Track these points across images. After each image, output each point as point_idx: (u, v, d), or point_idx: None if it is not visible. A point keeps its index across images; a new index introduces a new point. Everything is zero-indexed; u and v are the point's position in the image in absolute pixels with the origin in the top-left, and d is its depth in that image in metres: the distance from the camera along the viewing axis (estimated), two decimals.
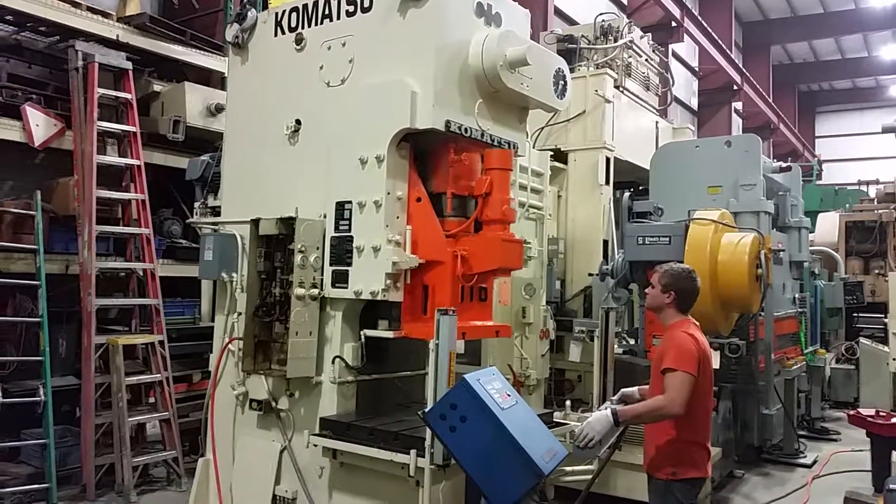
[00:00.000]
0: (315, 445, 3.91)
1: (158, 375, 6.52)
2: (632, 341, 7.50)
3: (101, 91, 6.61)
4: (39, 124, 6.45)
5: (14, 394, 6.09)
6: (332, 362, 4.00)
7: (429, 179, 4.07)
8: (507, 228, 3.95)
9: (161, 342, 6.67)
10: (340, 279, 4.00)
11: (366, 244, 3.88)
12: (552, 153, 7.54)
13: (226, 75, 5.15)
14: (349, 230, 3.98)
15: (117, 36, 7.05)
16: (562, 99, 4.39)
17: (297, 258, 3.95)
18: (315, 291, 4.02)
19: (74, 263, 6.54)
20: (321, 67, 4.22)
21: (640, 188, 8.81)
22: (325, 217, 4.11)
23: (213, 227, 4.78)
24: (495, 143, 4.12)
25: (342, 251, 4.00)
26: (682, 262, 5.42)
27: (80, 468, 6.15)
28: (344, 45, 4.12)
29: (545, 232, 7.03)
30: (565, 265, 8.04)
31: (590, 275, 7.65)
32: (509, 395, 2.97)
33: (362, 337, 4.01)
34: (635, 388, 3.99)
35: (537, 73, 4.15)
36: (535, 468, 2.74)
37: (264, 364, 4.18)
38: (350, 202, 3.99)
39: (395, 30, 3.92)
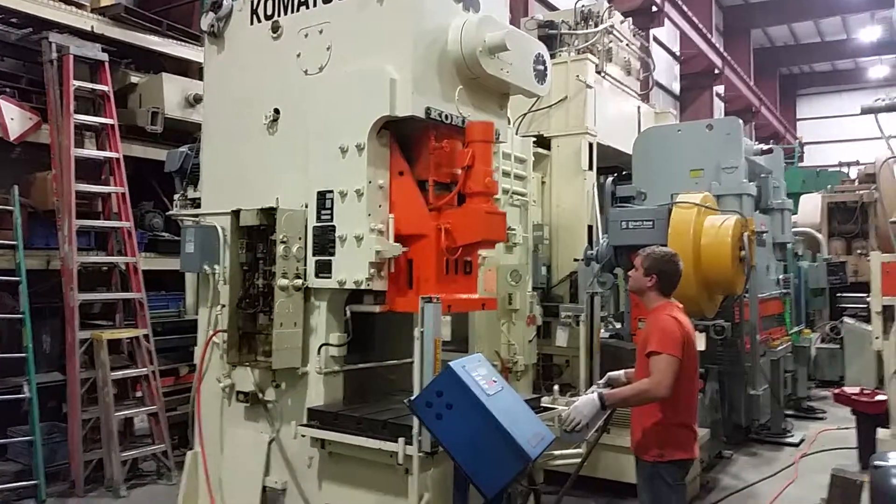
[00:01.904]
0: (303, 436, 3.90)
1: (144, 369, 6.48)
2: (618, 325, 7.53)
3: (77, 83, 6.52)
4: (14, 118, 6.37)
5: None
6: (318, 351, 3.98)
7: (412, 167, 4.04)
8: (490, 200, 3.93)
9: (146, 336, 6.62)
10: (324, 269, 3.97)
11: (348, 233, 3.86)
12: (535, 139, 7.53)
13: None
14: (331, 220, 3.96)
15: (92, 27, 6.96)
16: (542, 84, 4.38)
17: (280, 249, 3.92)
18: (298, 282, 3.99)
19: (55, 258, 6.47)
20: (298, 55, 4.18)
21: (624, 173, 8.82)
22: (306, 207, 4.07)
23: (193, 219, 4.73)
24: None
25: (325, 241, 3.97)
26: (665, 245, 5.46)
27: (68, 464, 6.12)
28: (321, 32, 4.08)
29: (530, 218, 7.04)
30: (551, 251, 8.03)
31: (575, 260, 7.67)
32: (495, 382, 2.97)
33: (348, 313, 3.97)
34: (622, 372, 4.01)
35: (517, 58, 4.13)
36: (522, 453, 2.74)
37: (249, 356, 4.16)
38: (331, 191, 3.96)
39: (372, 16, 3.89)
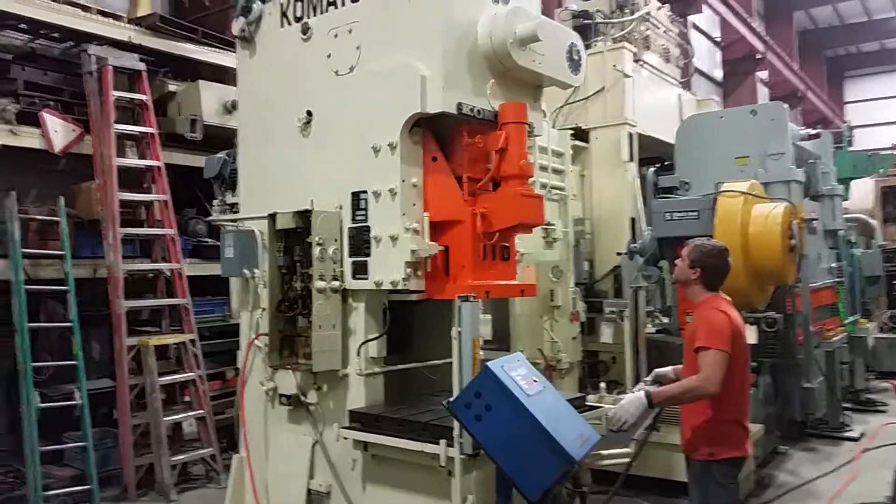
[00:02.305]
0: (345, 438, 3.87)
1: (191, 374, 6.57)
2: (665, 320, 7.35)
3: (117, 94, 6.64)
4: (58, 130, 6.51)
5: (52, 398, 6.18)
6: (358, 353, 3.95)
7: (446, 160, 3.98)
8: (525, 183, 3.84)
9: (192, 341, 6.71)
10: (360, 270, 3.94)
11: (383, 233, 3.82)
12: (572, 132, 7.41)
13: None
14: (366, 220, 3.92)
15: (129, 38, 7.08)
16: (576, 74, 4.27)
17: (316, 251, 3.90)
18: (336, 284, 3.97)
19: (102, 267, 6.60)
20: (329, 56, 4.15)
21: (666, 163, 8.62)
22: (341, 208, 4.05)
23: (232, 224, 4.75)
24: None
25: (360, 242, 3.94)
26: (711, 236, 5.30)
27: (120, 469, 6.23)
28: (350, 31, 4.04)
29: (569, 213, 6.91)
30: (593, 245, 7.90)
31: (618, 254, 7.52)
32: (536, 381, 2.89)
33: (386, 303, 3.94)
34: (669, 368, 3.89)
35: (550, 49, 4.04)
36: (565, 454, 2.66)
37: (290, 358, 4.15)
38: (365, 192, 3.92)
39: (400, 12, 3.83)
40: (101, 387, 6.60)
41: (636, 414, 3.33)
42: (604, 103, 7.92)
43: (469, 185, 3.89)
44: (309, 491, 4.19)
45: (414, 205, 3.84)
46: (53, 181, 7.00)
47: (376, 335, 3.96)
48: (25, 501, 5.56)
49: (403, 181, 3.80)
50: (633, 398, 3.37)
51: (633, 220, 7.77)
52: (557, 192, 6.64)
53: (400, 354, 4.32)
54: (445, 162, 3.92)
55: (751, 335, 5.97)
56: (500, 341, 6.23)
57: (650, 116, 8.29)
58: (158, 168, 6.87)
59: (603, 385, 5.52)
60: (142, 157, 6.97)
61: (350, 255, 4.00)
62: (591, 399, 6.18)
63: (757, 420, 6.38)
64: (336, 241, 4.02)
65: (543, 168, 6.38)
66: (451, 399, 2.87)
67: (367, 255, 3.91)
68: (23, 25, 6.90)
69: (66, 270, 6.12)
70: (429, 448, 3.39)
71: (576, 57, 4.25)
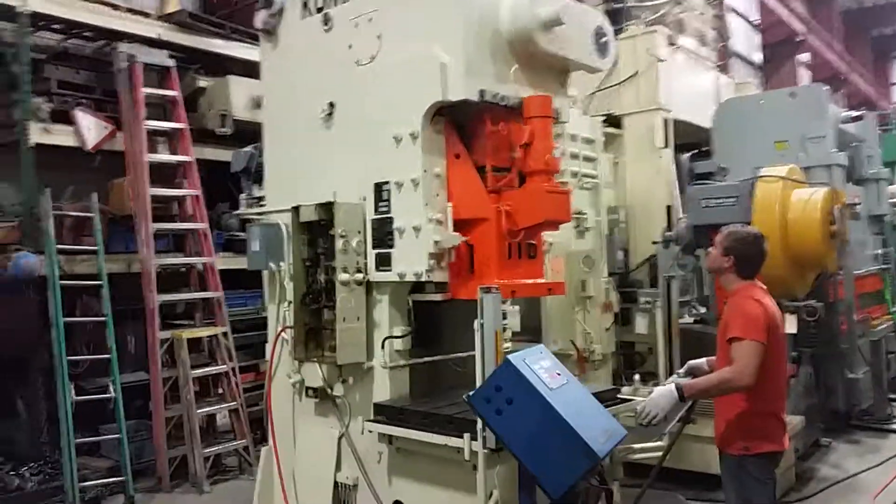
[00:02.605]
0: (370, 431, 3.84)
1: (224, 366, 6.62)
2: (702, 309, 7.18)
3: (147, 90, 6.70)
4: (91, 128, 6.59)
5: (88, 391, 6.28)
6: (382, 345, 3.91)
7: (469, 153, 3.90)
8: (552, 179, 3.75)
9: (224, 334, 6.76)
10: (384, 262, 3.89)
11: (406, 224, 3.77)
12: (605, 119, 7.26)
13: None
14: (388, 211, 3.87)
15: (158, 35, 7.13)
16: (604, 58, 4.15)
17: (339, 243, 3.87)
18: (360, 276, 3.93)
19: (136, 262, 6.68)
20: (350, 46, 4.10)
21: (704, 149, 8.42)
22: (364, 200, 4.00)
23: (258, 217, 4.75)
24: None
25: (383, 233, 3.89)
26: (749, 223, 5.13)
27: (154, 461, 6.31)
28: (370, 20, 3.98)
29: (602, 201, 6.78)
30: (627, 234, 7.77)
31: (653, 242, 7.36)
32: (559, 374, 2.80)
33: (410, 303, 3.90)
34: (703, 360, 3.77)
35: (575, 32, 3.92)
36: (589, 450, 2.57)
37: (316, 351, 4.13)
38: (388, 182, 3.87)
39: (420, 0, 3.76)
40: (136, 380, 6.69)
41: (666, 408, 3.22)
42: (637, 89, 7.78)
43: (492, 175, 3.80)
44: (336, 483, 4.18)
45: (437, 195, 3.78)
46: (89, 178, 7.09)
47: (401, 332, 3.91)
48: (63, 492, 5.65)
49: (425, 171, 3.73)
50: (664, 391, 3.26)
51: (668, 207, 7.62)
52: (589, 180, 6.51)
53: (428, 347, 4.27)
54: (469, 158, 3.83)
55: (790, 324, 5.79)
56: (532, 332, 6.09)
57: (686, 101, 8.10)
58: (189, 163, 6.93)
59: (637, 377, 5.42)
60: (173, 152, 7.03)
61: (374, 247, 3.96)
62: (625, 391, 6.04)
63: (798, 411, 6.20)
64: (359, 232, 3.97)
65: (574, 156, 6.27)
66: (472, 393, 2.80)
67: (391, 246, 3.86)
68: (55, 25, 7.00)
69: (100, 265, 6.20)
70: (453, 442, 3.32)
71: (603, 40, 4.12)
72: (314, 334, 4.13)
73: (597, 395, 3.85)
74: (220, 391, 6.71)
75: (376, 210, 3.94)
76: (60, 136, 6.47)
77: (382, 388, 3.96)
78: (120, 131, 6.80)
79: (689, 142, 8.57)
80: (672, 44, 8.20)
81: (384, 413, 3.80)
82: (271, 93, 4.77)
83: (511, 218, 3.69)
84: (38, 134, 6.29)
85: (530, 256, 3.93)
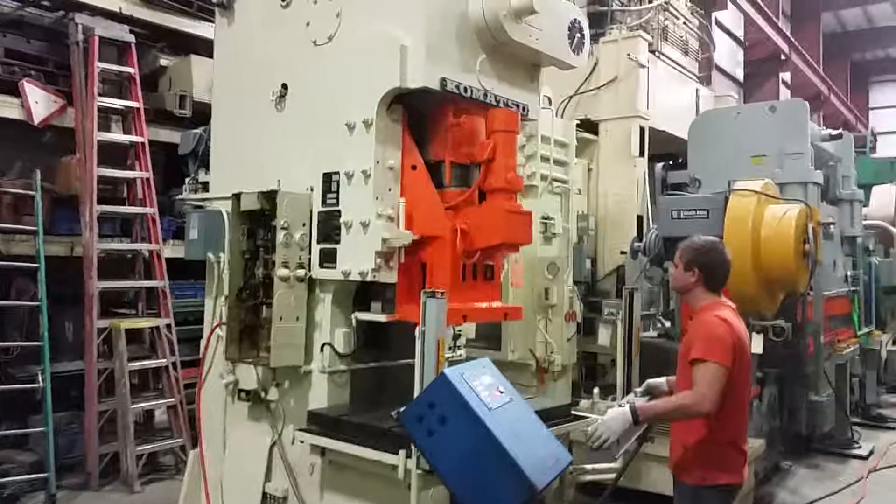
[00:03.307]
0: (301, 441, 3.55)
1: (164, 360, 6.28)
2: (667, 324, 6.99)
3: (102, 65, 6.34)
4: (39, 101, 6.21)
5: (18, 379, 5.92)
6: (321, 350, 3.62)
7: (426, 147, 3.64)
8: (513, 198, 3.50)
9: (168, 325, 6.42)
10: (328, 258, 3.61)
11: (354, 219, 3.48)
12: (580, 123, 7.05)
13: None
14: (336, 204, 3.59)
15: (120, 8, 6.75)
16: (578, 55, 3.90)
17: (280, 235, 3.57)
18: (301, 272, 3.63)
19: (79, 245, 6.31)
20: (308, 24, 3.80)
21: (680, 161, 8.26)
22: (312, 190, 3.71)
23: (202, 203, 4.43)
24: (500, 105, 3.66)
25: (330, 227, 3.60)
26: (720, 237, 4.93)
27: (85, 456, 5.94)
28: None
29: (571, 207, 6.54)
30: (596, 243, 7.58)
31: (622, 252, 7.17)
32: (502, 392, 2.53)
33: (354, 321, 3.62)
34: (663, 379, 3.53)
35: (549, 24, 3.67)
36: (527, 481, 2.29)
37: (251, 351, 3.82)
38: (337, 173, 3.58)
39: None
40: (72, 369, 6.31)
41: (619, 431, 2.97)
42: (616, 94, 7.60)
43: (450, 176, 3.53)
44: (265, 494, 3.87)
45: (389, 189, 3.50)
46: (40, 155, 6.72)
47: (342, 336, 3.63)
48: None
49: (378, 162, 3.45)
50: (617, 413, 3.01)
51: (640, 217, 7.44)
52: (559, 184, 6.27)
53: (374, 351, 3.99)
54: (425, 172, 3.55)
55: (757, 344, 5.61)
56: (490, 340, 5.89)
57: (665, 111, 7.95)
58: (142, 144, 6.57)
59: (597, 390, 5.19)
60: (127, 132, 6.67)
61: (318, 242, 3.67)
62: (583, 405, 5.82)
63: (759, 433, 6.02)
64: (304, 225, 3.68)
65: (545, 159, 6.03)
66: (402, 409, 2.51)
67: (337, 242, 3.58)
68: None
69: (38, 247, 5.83)
70: (387, 458, 3.04)
71: (578, 35, 3.88)
72: (249, 333, 3.83)
73: (549, 411, 3.64)
74: (160, 386, 6.36)
75: (324, 202, 3.65)
76: (5, 109, 6.09)
77: (320, 395, 3.68)
78: (71, 107, 6.42)
79: (666, 152, 8.41)
80: (654, 51, 8.03)
81: (318, 422, 3.51)
82: (223, 71, 4.46)
83: (467, 237, 3.43)
84: None
85: (487, 278, 3.67)
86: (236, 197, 3.80)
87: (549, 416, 3.59)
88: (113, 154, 6.59)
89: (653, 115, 7.69)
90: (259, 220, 3.78)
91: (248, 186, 3.87)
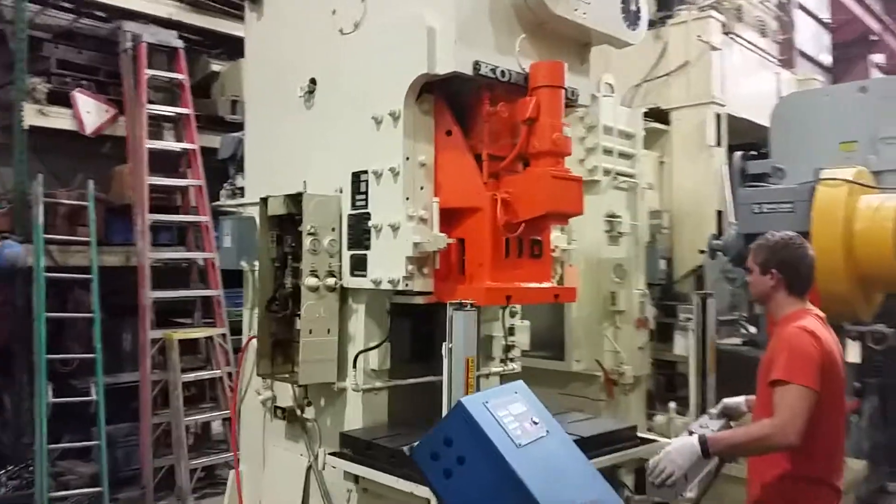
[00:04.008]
0: (333, 467, 3.25)
1: (219, 371, 6.15)
2: (752, 329, 6.38)
3: (151, 72, 6.29)
4: (90, 111, 6.21)
5: (78, 390, 5.89)
6: (353, 365, 3.32)
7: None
8: (560, 162, 3.07)
9: (223, 335, 6.29)
10: (359, 266, 3.30)
11: (383, 222, 3.16)
12: (649, 113, 6.56)
13: None
14: (366, 206, 3.27)
15: (170, 14, 6.71)
16: (634, 30, 3.46)
17: (307, 242, 3.29)
18: (331, 281, 3.34)
19: (134, 255, 6.27)
20: (333, 12, 3.51)
21: (762, 151, 7.62)
22: (341, 192, 3.41)
23: (236, 210, 4.22)
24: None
25: (360, 232, 3.29)
26: (806, 233, 4.39)
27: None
28: None
29: (640, 203, 6.05)
30: (671, 241, 7.04)
31: (700, 252, 6.62)
32: (537, 423, 2.12)
33: (388, 322, 3.30)
34: (742, 399, 3.06)
35: None
36: None
37: (285, 366, 3.57)
38: (366, 172, 3.27)
39: None
40: (130, 380, 6.28)
41: (684, 466, 2.53)
42: (687, 80, 7.05)
43: (490, 164, 3.17)
44: None
45: (421, 188, 3.16)
46: (98, 165, 6.75)
47: (379, 349, 3.30)
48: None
49: (407, 159, 3.12)
50: (684, 444, 2.57)
51: (719, 212, 6.88)
52: (625, 179, 5.80)
53: (423, 365, 3.66)
54: (462, 137, 3.21)
55: (852, 353, 5.00)
56: (551, 349, 5.49)
57: (743, 97, 7.34)
58: (193, 151, 6.48)
59: (673, 405, 4.71)
60: (178, 139, 6.60)
61: (349, 248, 3.36)
62: (658, 420, 5.32)
63: (860, 453, 5.38)
64: (334, 230, 3.38)
65: (608, 151, 5.58)
66: (416, 443, 2.16)
67: (367, 247, 3.26)
68: (65, 3, 6.65)
69: (92, 258, 5.79)
70: (420, 490, 2.70)
71: (633, 7, 3.44)
72: (283, 347, 3.57)
73: (611, 434, 3.22)
74: (216, 397, 6.23)
75: (353, 204, 3.35)
76: (57, 119, 6.11)
77: (354, 415, 3.37)
78: (123, 115, 6.40)
79: (747, 142, 7.78)
80: (728, 33, 7.43)
81: (350, 445, 3.20)
82: (254, 69, 4.23)
83: (509, 208, 3.03)
84: (34, 116, 5.92)
85: (534, 255, 3.27)
86: (263, 201, 3.55)
87: (610, 440, 3.19)
88: (167, 162, 6.54)
89: (729, 101, 7.12)
90: (287, 225, 3.51)
91: (279, 189, 3.62)
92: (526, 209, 3.03)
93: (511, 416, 2.06)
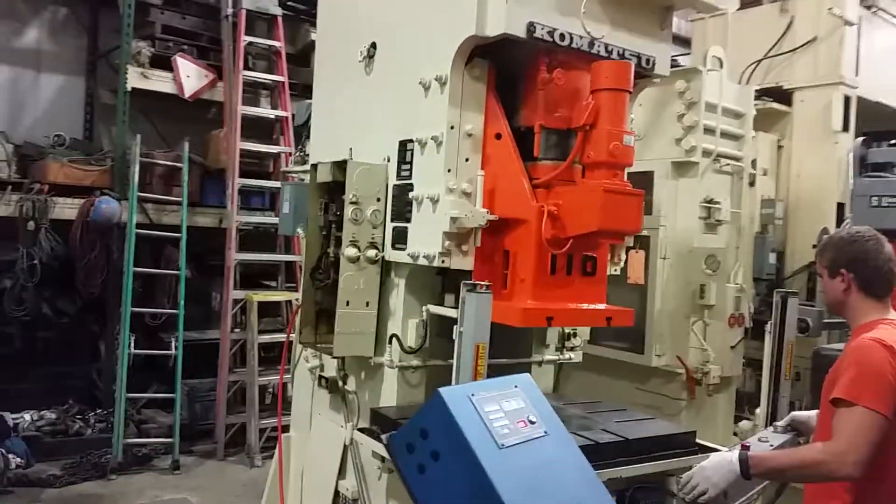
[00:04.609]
0: (361, 443, 3.15)
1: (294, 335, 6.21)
2: None
3: (248, 39, 6.37)
4: (190, 75, 6.39)
5: (165, 343, 6.13)
6: (389, 341, 3.19)
7: (517, 112, 3.04)
8: (618, 175, 2.79)
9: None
10: (400, 238, 3.15)
11: (423, 194, 2.99)
12: (769, 92, 6.01)
13: None
14: (410, 177, 3.11)
15: None
16: None
17: (349, 211, 3.17)
18: (372, 253, 3.21)
19: (225, 217, 6.44)
20: None
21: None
22: (388, 161, 3.26)
23: (299, 176, 4.18)
24: (614, 56, 2.96)
25: (402, 203, 3.14)
26: None
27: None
28: None
29: (745, 189, 5.53)
30: (785, 233, 6.46)
31: (813, 247, 6.01)
32: (533, 422, 1.87)
33: (425, 314, 3.13)
34: (814, 413, 2.67)
35: None
36: None
37: (328, 336, 3.48)
38: (412, 141, 3.10)
39: None
40: (216, 337, 6.48)
41: (720, 484, 2.21)
42: (815, 57, 6.39)
43: (544, 165, 2.91)
44: (337, 492, 3.54)
45: (467, 160, 2.96)
46: (204, 129, 6.98)
47: (414, 327, 3.15)
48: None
49: (452, 128, 2.92)
50: (721, 461, 2.24)
51: (840, 205, 6.22)
52: (729, 161, 5.30)
53: None
54: (512, 141, 2.95)
55: None
56: (631, 341, 5.14)
57: (883, 78, 6.57)
58: (286, 118, 6.54)
59: (759, 411, 4.26)
60: (274, 106, 6.69)
61: (392, 220, 3.22)
62: (743, 426, 4.88)
63: None
64: (379, 200, 3.25)
65: (710, 130, 5.10)
66: (394, 432, 1.97)
67: (408, 220, 3.11)
68: None
69: (182, 217, 6.00)
70: None
71: None
72: (327, 316, 3.49)
73: (658, 439, 2.92)
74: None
75: (398, 174, 3.20)
76: (158, 83, 6.34)
77: (389, 392, 3.25)
78: (221, 81, 6.55)
79: (885, 130, 6.97)
80: (870, 6, 6.65)
81: (379, 422, 3.08)
82: (324, 34, 4.15)
83: (557, 222, 2.79)
84: (137, 79, 6.16)
85: (587, 273, 2.99)
86: (314, 167, 3.47)
87: (661, 445, 2.90)
88: (262, 128, 6.65)
89: (864, 82, 6.39)
90: (336, 193, 3.41)
91: (336, 156, 3.52)
92: (575, 225, 2.77)
93: (501, 412, 1.83)
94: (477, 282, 2.41)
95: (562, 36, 2.84)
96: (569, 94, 2.95)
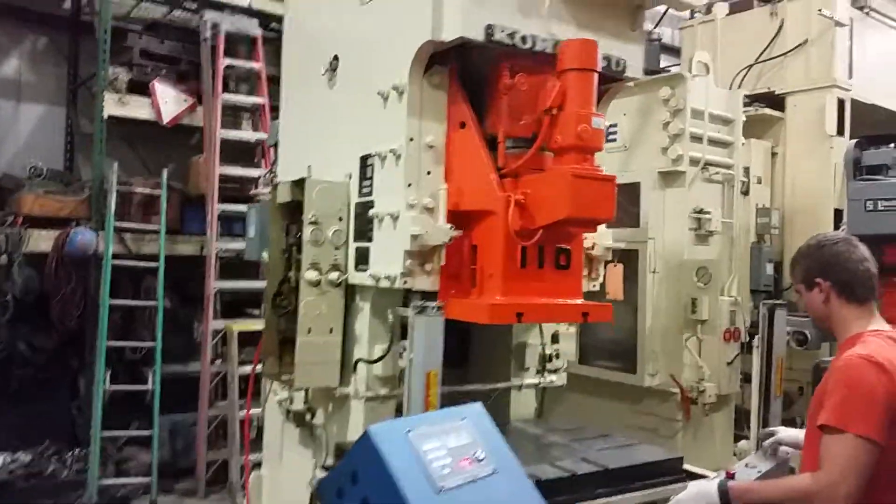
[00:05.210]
0: None
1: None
2: None
3: (227, 61, 6.24)
4: (168, 101, 6.26)
5: (146, 378, 5.94)
6: (353, 369, 2.99)
7: (481, 120, 2.86)
8: (588, 159, 2.59)
9: None
10: (362, 259, 2.97)
11: (384, 211, 2.81)
12: (760, 98, 5.86)
13: None
14: (371, 193, 2.94)
15: (249, 3, 6.66)
16: None
17: (308, 231, 2.99)
18: (335, 275, 3.02)
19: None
20: None
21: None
22: (350, 178, 3.09)
23: (263, 197, 4.02)
24: None
25: (364, 222, 2.96)
26: None
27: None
28: None
29: (737, 198, 5.35)
30: (782, 243, 6.29)
31: None
32: (480, 460, 1.65)
33: (393, 335, 2.94)
34: (801, 432, 2.46)
35: None
36: None
37: (293, 366, 3.29)
38: (372, 155, 2.93)
39: None
40: (198, 370, 6.28)
41: None
42: (806, 61, 6.28)
43: (509, 158, 2.73)
44: None
45: (428, 173, 2.78)
46: (185, 156, 6.84)
47: (381, 353, 2.95)
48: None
49: (412, 140, 2.75)
50: (699, 492, 2.06)
51: (838, 211, 6.04)
52: (720, 170, 5.13)
53: (457, 370, 3.29)
54: (477, 129, 2.78)
55: None
56: (623, 360, 4.93)
57: (877, 80, 6.43)
58: (265, 141, 6.39)
59: (751, 431, 4.05)
60: (255, 129, 6.56)
61: (355, 239, 3.04)
62: (742, 446, 4.68)
63: None
64: (341, 220, 3.07)
65: (697, 138, 4.94)
66: (323, 477, 1.76)
67: (370, 239, 2.93)
68: None
69: (160, 246, 5.83)
70: None
71: None
72: (291, 345, 3.29)
73: (642, 467, 2.70)
74: None
75: (360, 191, 3.02)
76: (136, 109, 6.20)
77: (357, 424, 3.04)
78: (201, 105, 6.42)
79: (881, 133, 6.80)
80: (862, 7, 6.51)
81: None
82: (288, 49, 4.00)
83: (525, 211, 2.60)
84: (113, 106, 6.03)
85: (560, 267, 2.80)
86: (274, 188, 3.30)
87: (645, 474, 2.68)
88: (242, 152, 6.51)
89: (859, 85, 6.28)
90: (297, 214, 3.23)
91: (301, 175, 3.35)
92: (543, 214, 2.58)
93: (443, 449, 1.62)
94: (427, 303, 2.22)
95: (523, 38, 2.68)
96: (531, 99, 2.77)
